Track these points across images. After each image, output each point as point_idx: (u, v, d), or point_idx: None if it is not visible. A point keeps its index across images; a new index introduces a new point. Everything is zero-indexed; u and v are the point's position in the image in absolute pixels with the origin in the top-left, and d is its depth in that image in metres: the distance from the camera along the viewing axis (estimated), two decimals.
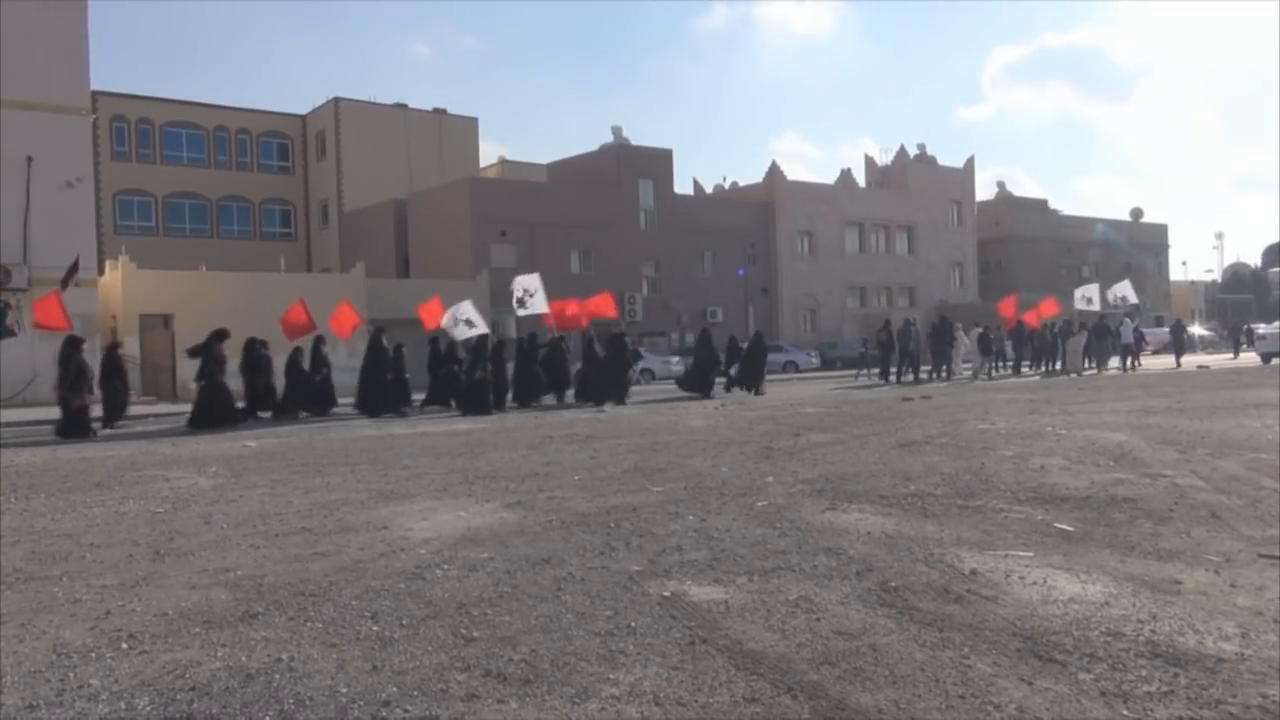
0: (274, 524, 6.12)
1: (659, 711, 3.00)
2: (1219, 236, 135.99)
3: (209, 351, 17.01)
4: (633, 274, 40.26)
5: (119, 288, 27.72)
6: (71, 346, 15.73)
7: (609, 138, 43.32)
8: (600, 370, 20.54)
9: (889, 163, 51.86)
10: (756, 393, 21.78)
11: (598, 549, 5.16)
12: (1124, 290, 30.64)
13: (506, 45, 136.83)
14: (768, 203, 45.58)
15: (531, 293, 21.67)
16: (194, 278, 29.10)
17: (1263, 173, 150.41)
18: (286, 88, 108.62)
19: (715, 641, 3.61)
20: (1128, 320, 30.23)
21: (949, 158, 53.00)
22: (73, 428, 15.06)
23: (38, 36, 24.95)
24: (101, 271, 28.76)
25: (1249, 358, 34.04)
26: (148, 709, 3.06)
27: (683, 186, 45.94)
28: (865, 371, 30.21)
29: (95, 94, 33.98)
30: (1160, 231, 64.58)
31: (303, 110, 48.99)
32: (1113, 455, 8.24)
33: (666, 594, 4.24)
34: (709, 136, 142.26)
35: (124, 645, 3.68)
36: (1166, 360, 32.95)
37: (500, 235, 37.02)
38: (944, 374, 27.42)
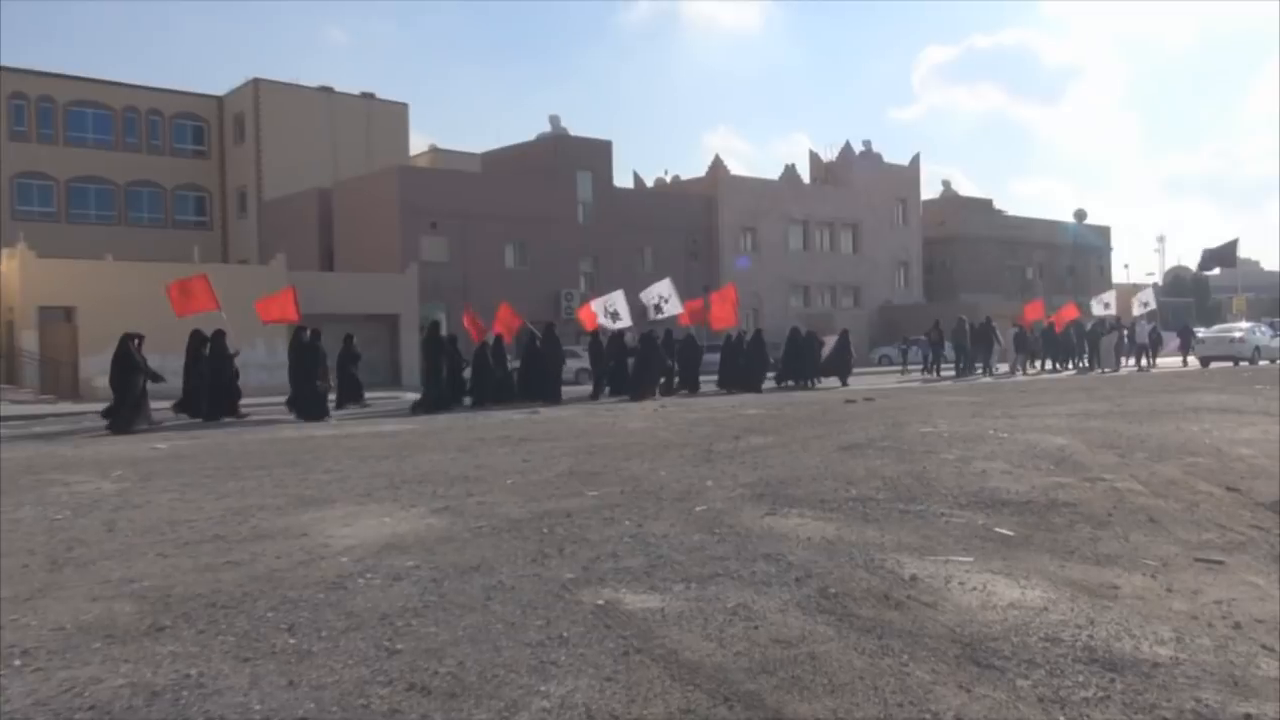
0: (183, 531, 5.98)
1: None
2: (1160, 240, 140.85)
3: (438, 343, 19.45)
4: (570, 270, 40.18)
5: (16, 277, 26.78)
6: (314, 335, 18.27)
7: (544, 129, 43.20)
8: (746, 361, 24.40)
9: (834, 159, 52.55)
10: (844, 383, 25.28)
11: (529, 556, 5.15)
12: (1146, 296, 35.13)
13: (429, 33, 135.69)
14: (710, 198, 45.86)
15: (666, 298, 24.73)
16: (99, 268, 28.21)
17: (1191, 177, 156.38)
18: (202, 68, 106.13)
19: (650, 651, 3.62)
20: (1144, 322, 33.72)
21: (886, 157, 53.79)
22: (311, 409, 17.14)
23: None
24: None
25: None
26: None
27: (622, 179, 46.05)
28: (906, 367, 33.63)
29: None
30: (1103, 234, 66.51)
31: (220, 91, 47.97)
32: (1053, 459, 8.46)
33: (600, 603, 4.25)
34: (642, 131, 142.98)
35: (17, 662, 3.56)
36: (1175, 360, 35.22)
37: (431, 227, 36.63)
38: (986, 370, 30.55)
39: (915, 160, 54.90)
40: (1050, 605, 4.23)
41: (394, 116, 49.04)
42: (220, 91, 48.01)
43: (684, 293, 42.15)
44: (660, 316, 24.76)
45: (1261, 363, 31.46)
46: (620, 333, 23.14)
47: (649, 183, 51.37)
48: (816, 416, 13.48)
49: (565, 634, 3.82)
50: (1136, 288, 70.38)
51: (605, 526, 5.92)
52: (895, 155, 54.33)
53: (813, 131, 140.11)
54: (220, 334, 17.62)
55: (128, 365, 15.74)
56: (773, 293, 47.42)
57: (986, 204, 61.69)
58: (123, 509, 6.87)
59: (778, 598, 4.33)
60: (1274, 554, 5.25)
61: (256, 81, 45.54)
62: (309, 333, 18.37)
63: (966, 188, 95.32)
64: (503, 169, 41.10)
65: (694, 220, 45.12)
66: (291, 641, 3.76)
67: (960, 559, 5.05)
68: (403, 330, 32.22)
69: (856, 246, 51.49)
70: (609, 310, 23.27)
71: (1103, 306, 34.06)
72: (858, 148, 52.75)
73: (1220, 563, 5.02)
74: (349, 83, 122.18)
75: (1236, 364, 31.14)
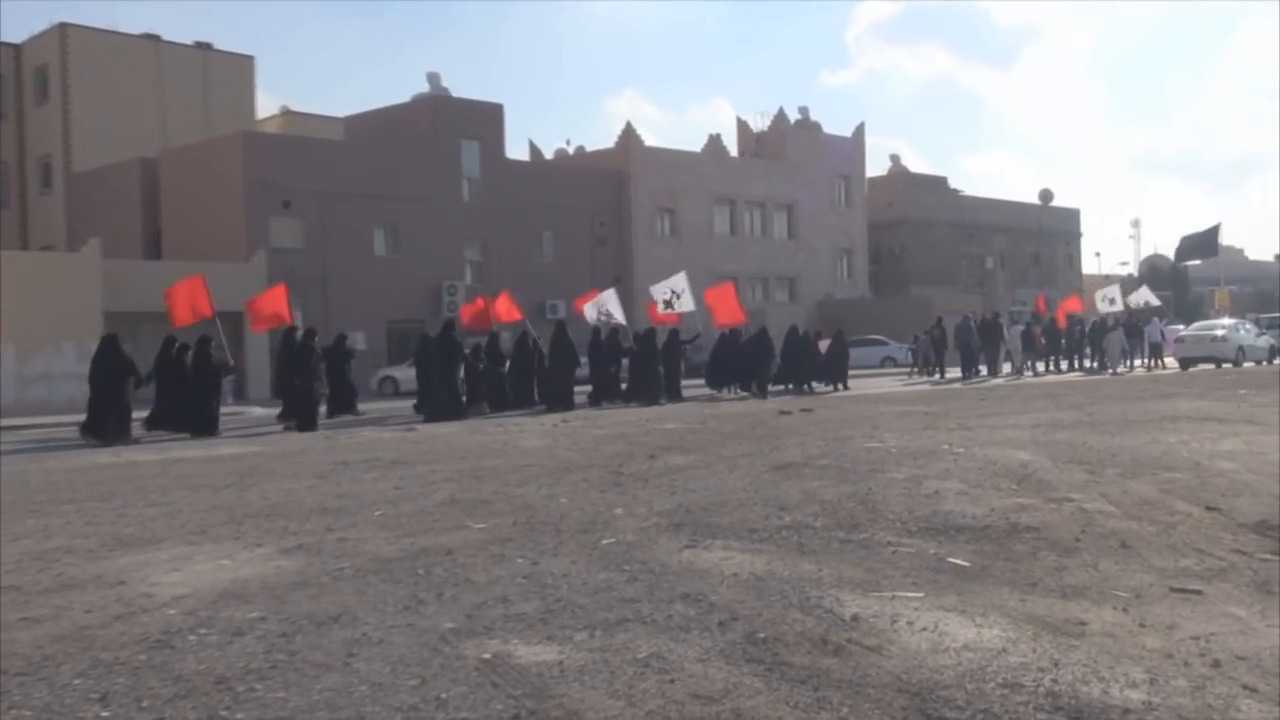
0: None
1: None
2: (1135, 225, 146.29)
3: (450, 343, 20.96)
4: (453, 257, 39.89)
5: None
6: (308, 335, 19.37)
7: (420, 89, 42.88)
8: (741, 360, 26.86)
9: (765, 128, 53.15)
10: (839, 389, 27.38)
11: (401, 603, 5.11)
12: (1145, 295, 38.63)
13: None
14: (620, 173, 46.07)
15: (679, 293, 27.52)
16: None
17: (1164, 153, 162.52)
18: None
19: (545, 713, 3.62)
20: (1156, 320, 36.76)
21: (825, 128, 54.48)
22: (306, 419, 18.30)
23: None
24: None
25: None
26: None
27: (516, 150, 45.99)
28: (913, 369, 35.60)
29: None
30: (1071, 217, 68.90)
31: (17, 38, 46.55)
32: (1015, 477, 8.72)
33: (487, 656, 4.24)
34: (539, 94, 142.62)
35: None
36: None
37: (283, 206, 36.04)
38: (994, 371, 32.73)
39: (859, 131, 55.94)
40: (1010, 646, 4.35)
41: (236, 71, 48.21)
42: (17, 39, 46.69)
43: (591, 285, 42.60)
44: (668, 311, 27.63)
45: (1246, 364, 32.95)
46: (614, 331, 25.18)
47: (548, 154, 51.40)
48: (745, 431, 13.65)
49: (443, 695, 3.79)
50: (1109, 279, 73.15)
51: (493, 565, 5.90)
52: (829, 124, 55.25)
53: (735, 97, 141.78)
54: (206, 341, 18.22)
55: (114, 368, 16.57)
56: (695, 285, 47.56)
57: (940, 182, 63.22)
58: None
59: (698, 645, 4.37)
60: (1257, 582, 5.50)
61: (63, 26, 44.33)
62: (301, 333, 19.03)
63: (914, 164, 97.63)
64: (370, 136, 40.67)
65: (601, 199, 45.28)
66: (104, 714, 3.67)
67: (909, 595, 5.17)
68: (247, 330, 31.56)
69: (792, 231, 52.21)
70: (602, 311, 25.39)
71: (1108, 303, 36.92)
72: (791, 115, 53.43)
73: (1198, 592, 5.24)
74: (180, 30, 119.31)
75: (1218, 366, 32.55)
